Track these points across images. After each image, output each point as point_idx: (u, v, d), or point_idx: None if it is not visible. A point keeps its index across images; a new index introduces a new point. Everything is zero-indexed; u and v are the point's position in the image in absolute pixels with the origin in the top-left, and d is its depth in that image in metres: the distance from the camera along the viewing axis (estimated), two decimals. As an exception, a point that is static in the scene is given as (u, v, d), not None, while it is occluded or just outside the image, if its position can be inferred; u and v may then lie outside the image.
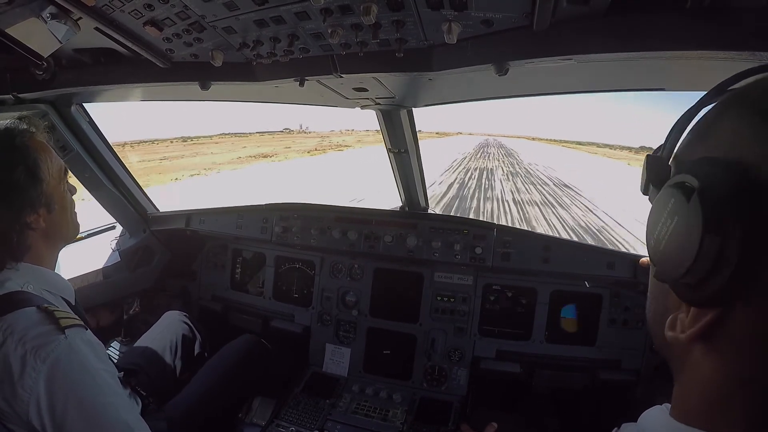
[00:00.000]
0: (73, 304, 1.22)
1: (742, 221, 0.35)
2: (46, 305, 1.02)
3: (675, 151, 0.49)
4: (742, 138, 0.39)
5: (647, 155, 0.50)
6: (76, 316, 1.08)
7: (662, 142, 0.50)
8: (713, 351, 0.41)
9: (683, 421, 0.44)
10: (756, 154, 0.37)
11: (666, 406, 0.49)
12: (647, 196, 0.50)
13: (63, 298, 1.17)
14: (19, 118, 1.16)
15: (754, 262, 0.35)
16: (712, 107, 0.46)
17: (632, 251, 2.23)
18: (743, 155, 0.38)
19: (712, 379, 0.41)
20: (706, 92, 0.48)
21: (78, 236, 1.41)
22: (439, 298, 2.12)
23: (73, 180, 1.45)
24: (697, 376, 0.43)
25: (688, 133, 0.48)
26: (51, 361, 0.94)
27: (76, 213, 1.28)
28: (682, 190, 0.40)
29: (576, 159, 64.15)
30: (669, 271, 0.42)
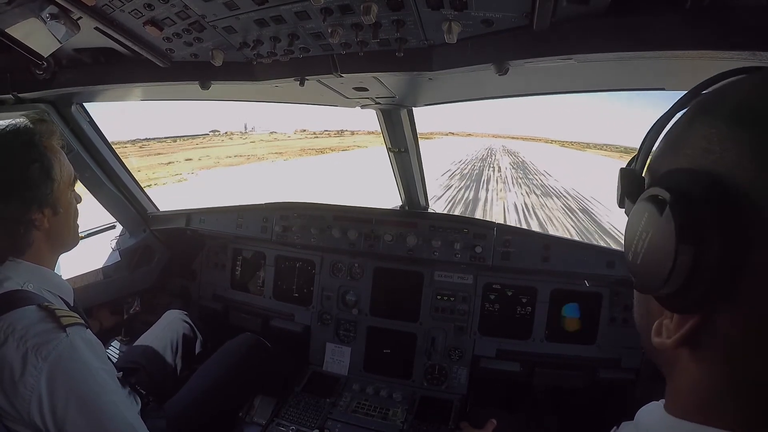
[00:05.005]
0: (72, 305, 1.22)
1: (713, 232, 0.36)
2: (46, 304, 1.02)
3: (648, 162, 0.48)
4: (712, 147, 0.39)
5: (621, 168, 0.49)
6: (77, 315, 1.08)
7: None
8: (700, 354, 0.41)
9: (677, 416, 0.44)
10: (725, 163, 0.37)
11: (662, 402, 0.49)
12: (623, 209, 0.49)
13: (62, 299, 1.17)
14: (39, 120, 1.17)
15: (728, 270, 0.36)
16: (683, 115, 0.46)
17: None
18: (713, 166, 0.38)
19: (701, 382, 0.41)
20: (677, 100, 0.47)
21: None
22: (439, 297, 2.13)
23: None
24: (687, 379, 0.43)
25: (660, 143, 0.47)
26: (52, 359, 0.94)
27: (78, 225, 1.29)
28: (655, 203, 0.40)
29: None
30: (648, 284, 0.42)
